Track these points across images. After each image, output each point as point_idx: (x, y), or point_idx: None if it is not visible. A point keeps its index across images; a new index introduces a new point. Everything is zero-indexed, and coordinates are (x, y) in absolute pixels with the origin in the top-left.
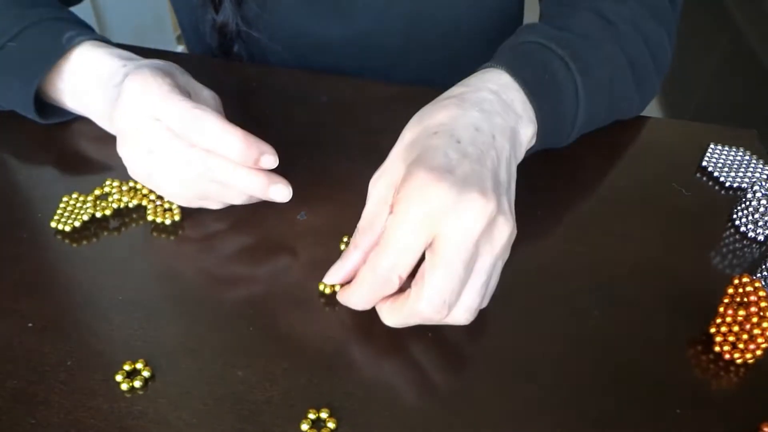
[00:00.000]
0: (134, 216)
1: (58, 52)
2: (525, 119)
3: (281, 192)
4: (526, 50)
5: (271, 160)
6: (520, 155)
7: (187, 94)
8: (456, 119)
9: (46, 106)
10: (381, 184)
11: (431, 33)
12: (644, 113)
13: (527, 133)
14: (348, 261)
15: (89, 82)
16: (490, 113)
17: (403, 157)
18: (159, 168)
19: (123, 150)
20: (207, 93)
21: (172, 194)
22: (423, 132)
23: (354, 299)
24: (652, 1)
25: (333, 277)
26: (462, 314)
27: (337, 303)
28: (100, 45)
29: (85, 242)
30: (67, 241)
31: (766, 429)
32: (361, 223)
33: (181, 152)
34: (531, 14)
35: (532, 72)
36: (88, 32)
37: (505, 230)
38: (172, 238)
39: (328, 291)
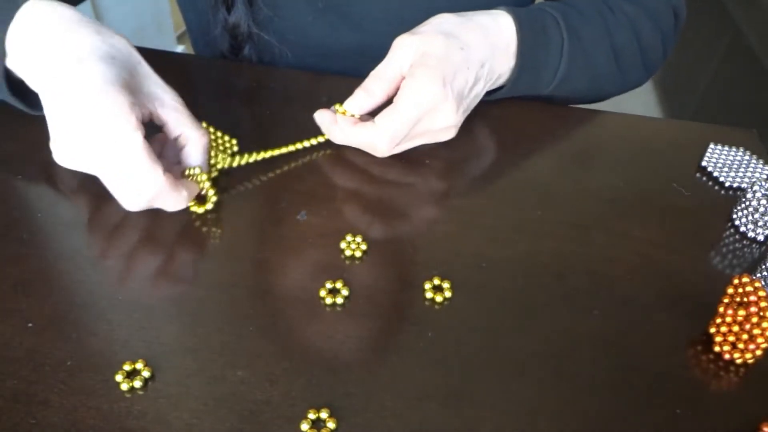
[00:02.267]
0: (133, 216)
1: (13, 9)
2: (508, 57)
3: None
4: (528, 9)
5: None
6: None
7: (144, 104)
8: (478, 49)
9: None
10: (413, 50)
11: None
12: (644, 113)
13: (503, 67)
14: (365, 102)
15: (28, 42)
16: (494, 55)
17: (436, 38)
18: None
19: (62, 149)
20: (166, 95)
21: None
22: (456, 39)
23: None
24: (656, 8)
25: (354, 108)
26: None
27: (337, 303)
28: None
29: (84, 242)
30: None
31: (766, 429)
32: (380, 73)
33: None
34: None
35: (527, 17)
36: None
37: (449, 134)
38: (172, 238)
39: (341, 111)
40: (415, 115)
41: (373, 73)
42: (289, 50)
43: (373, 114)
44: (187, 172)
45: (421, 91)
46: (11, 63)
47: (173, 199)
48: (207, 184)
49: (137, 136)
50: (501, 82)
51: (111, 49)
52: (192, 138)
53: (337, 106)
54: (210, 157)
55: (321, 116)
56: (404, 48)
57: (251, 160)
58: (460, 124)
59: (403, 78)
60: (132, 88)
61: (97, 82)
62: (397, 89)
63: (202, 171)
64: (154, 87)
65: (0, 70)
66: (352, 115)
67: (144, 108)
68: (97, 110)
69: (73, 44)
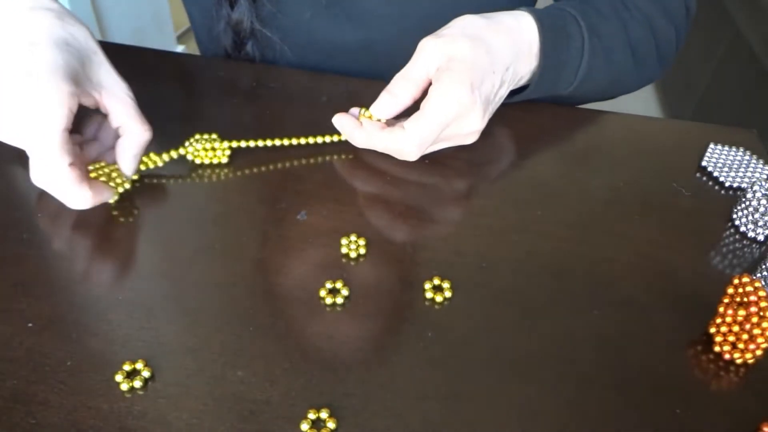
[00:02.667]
0: (134, 215)
1: None
2: (530, 58)
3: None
4: (547, 9)
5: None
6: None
7: (90, 93)
8: (503, 52)
9: None
10: (438, 53)
11: None
12: (644, 113)
13: (526, 69)
14: (391, 105)
15: None
16: (518, 58)
17: (463, 42)
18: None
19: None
20: (117, 85)
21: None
22: (482, 43)
23: (358, 140)
24: (670, 3)
25: (380, 113)
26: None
27: (337, 303)
28: None
29: (84, 242)
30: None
31: (766, 429)
32: (406, 75)
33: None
34: None
35: (548, 17)
36: None
37: (473, 138)
38: (171, 237)
39: (367, 116)
40: (444, 121)
41: (398, 76)
42: (292, 47)
43: (397, 117)
44: (94, 165)
45: (450, 96)
46: None
47: (73, 195)
48: (114, 175)
49: (58, 123)
50: (523, 83)
51: (68, 36)
52: (131, 131)
53: (362, 110)
54: (141, 156)
55: (341, 120)
56: (429, 51)
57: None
58: (483, 128)
59: (429, 81)
60: (79, 77)
61: (43, 67)
62: (423, 92)
63: (107, 164)
64: (106, 77)
65: None
66: (378, 120)
67: (89, 96)
68: (33, 91)
69: (31, 26)
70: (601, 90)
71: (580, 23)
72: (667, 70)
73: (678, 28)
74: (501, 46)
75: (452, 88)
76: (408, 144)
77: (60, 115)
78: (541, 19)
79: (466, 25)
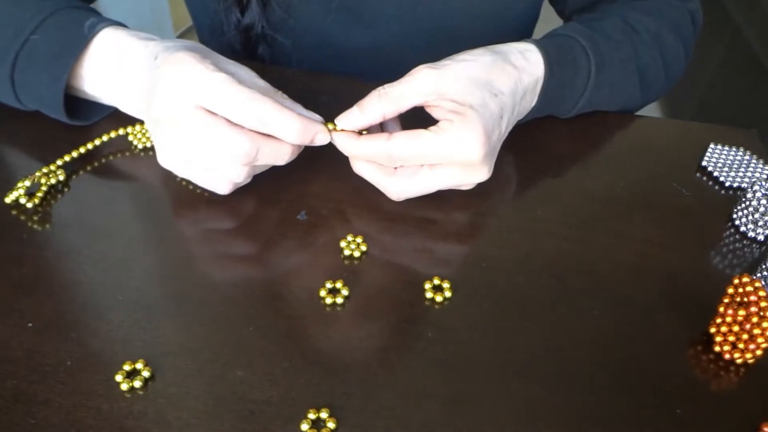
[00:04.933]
0: (133, 216)
1: (82, 40)
2: (534, 95)
3: (323, 139)
4: (558, 39)
5: (325, 138)
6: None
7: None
8: (509, 95)
9: (72, 105)
10: (431, 85)
11: (452, 50)
12: (644, 113)
13: (528, 106)
14: (357, 121)
15: (111, 67)
16: (523, 96)
17: (463, 84)
18: (201, 155)
19: (159, 138)
20: (242, 70)
21: (211, 181)
22: (488, 85)
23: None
24: (676, 18)
25: (345, 124)
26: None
27: (337, 303)
28: (120, 29)
29: (84, 241)
30: (62, 233)
31: (766, 429)
32: (386, 91)
33: (229, 136)
34: (540, 31)
35: (557, 51)
36: (106, 18)
37: (469, 186)
38: (171, 238)
39: (330, 127)
40: (444, 186)
41: (374, 93)
42: (304, 51)
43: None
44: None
45: (463, 149)
46: (92, 89)
47: (282, 123)
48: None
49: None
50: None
51: (183, 43)
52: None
53: (328, 124)
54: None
55: (340, 137)
56: (421, 79)
57: None
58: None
59: (407, 106)
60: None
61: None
62: (395, 113)
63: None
64: (225, 65)
65: (59, 95)
66: (342, 130)
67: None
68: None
69: (149, 48)
70: (599, 108)
71: (590, 57)
72: (675, 85)
73: (686, 44)
74: (509, 89)
75: (466, 139)
76: (395, 190)
77: (205, 64)
78: (549, 54)
79: (469, 65)
